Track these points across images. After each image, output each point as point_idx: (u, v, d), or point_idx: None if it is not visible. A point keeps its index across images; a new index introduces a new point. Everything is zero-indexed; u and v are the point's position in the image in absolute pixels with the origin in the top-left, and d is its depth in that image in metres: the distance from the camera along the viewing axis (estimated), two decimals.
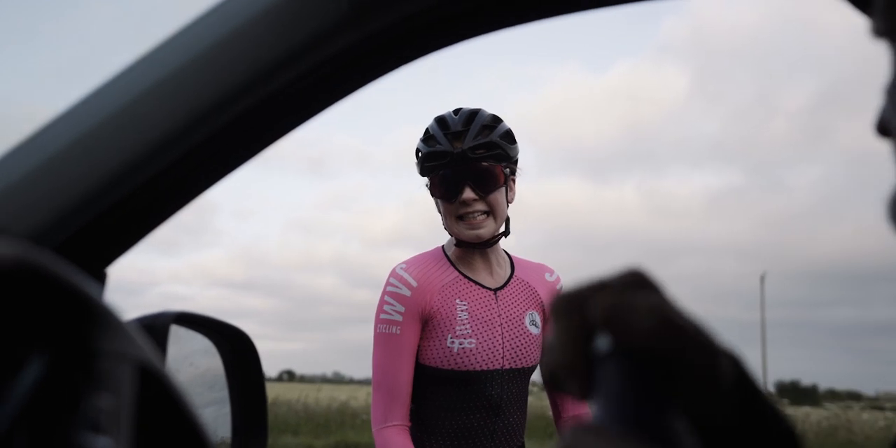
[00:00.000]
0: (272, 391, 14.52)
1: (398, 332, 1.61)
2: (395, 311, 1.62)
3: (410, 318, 1.62)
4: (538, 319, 1.73)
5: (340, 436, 10.34)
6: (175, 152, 0.58)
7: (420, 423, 1.67)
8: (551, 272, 1.82)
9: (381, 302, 1.64)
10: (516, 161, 1.70)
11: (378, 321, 1.63)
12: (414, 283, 1.63)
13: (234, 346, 0.82)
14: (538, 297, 1.75)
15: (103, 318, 0.37)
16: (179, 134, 0.57)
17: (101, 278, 0.60)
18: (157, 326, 0.70)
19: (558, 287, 1.79)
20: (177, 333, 0.79)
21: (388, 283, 1.65)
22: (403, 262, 1.69)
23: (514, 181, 1.70)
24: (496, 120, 1.66)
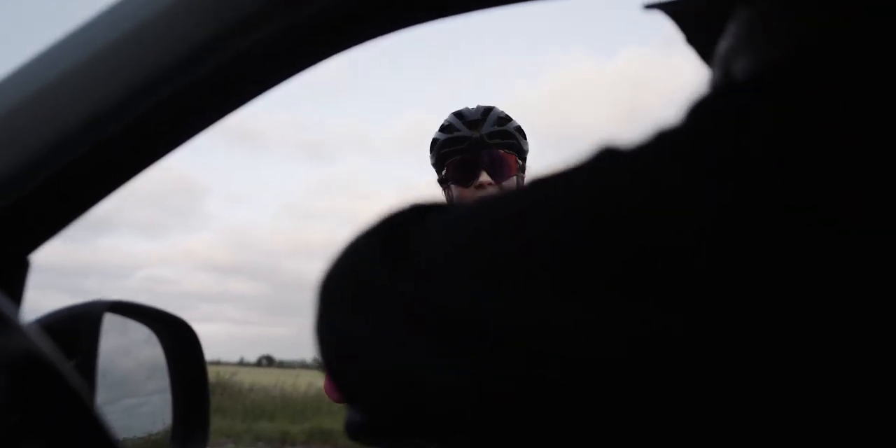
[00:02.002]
0: (250, 377, 14.50)
1: None
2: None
3: None
4: None
5: (317, 422, 10.33)
6: (100, 134, 0.56)
7: None
8: None
9: None
10: (525, 158, 1.75)
11: None
12: None
13: (174, 335, 0.81)
14: None
15: None
16: (103, 116, 0.56)
17: (22, 266, 0.59)
18: (89, 316, 0.68)
19: None
20: (115, 323, 0.78)
21: None
22: None
23: (522, 179, 1.75)
24: (509, 117, 1.74)
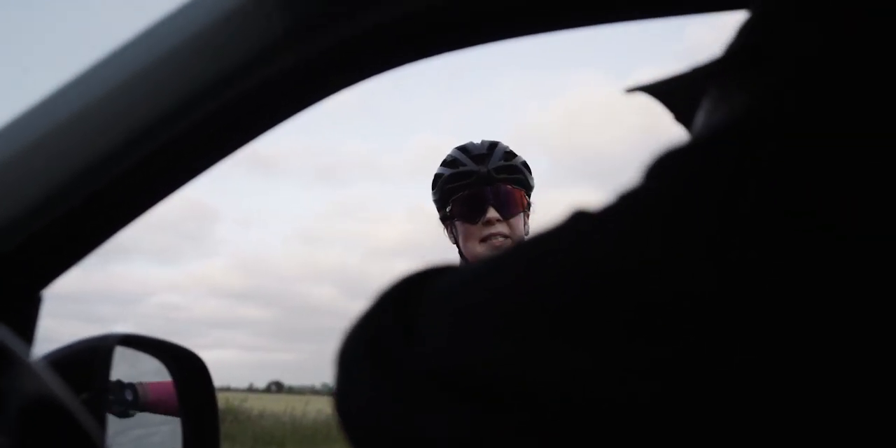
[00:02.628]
0: (259, 403, 14.42)
1: None
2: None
3: None
4: None
5: None
6: (112, 172, 0.57)
7: None
8: None
9: None
10: (531, 194, 1.70)
11: None
12: None
13: (184, 366, 0.81)
14: None
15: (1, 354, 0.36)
16: (116, 153, 0.57)
17: (34, 303, 0.59)
18: (101, 349, 0.69)
19: None
20: (126, 355, 0.78)
21: None
22: None
23: (528, 216, 1.69)
24: (514, 152, 1.69)
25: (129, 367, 0.79)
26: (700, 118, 0.48)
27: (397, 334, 0.36)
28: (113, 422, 0.77)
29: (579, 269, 0.32)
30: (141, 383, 0.84)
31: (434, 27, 0.60)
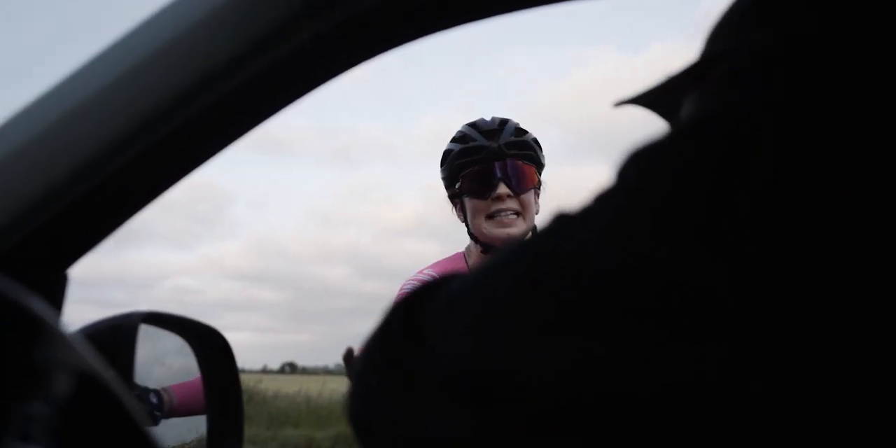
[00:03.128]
0: (274, 384, 14.56)
1: None
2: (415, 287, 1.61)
3: None
4: None
5: (342, 428, 10.36)
6: (132, 152, 0.57)
7: None
8: None
9: (402, 288, 1.63)
10: (542, 171, 1.67)
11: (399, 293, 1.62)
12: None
13: (207, 344, 0.82)
14: None
15: (39, 327, 0.36)
16: (135, 133, 0.57)
17: (61, 281, 0.60)
18: (125, 327, 0.70)
19: None
20: (148, 333, 0.79)
21: (410, 279, 1.65)
22: (427, 267, 1.69)
23: (538, 195, 1.67)
24: (525, 130, 1.66)
25: (151, 345, 0.80)
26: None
27: (407, 344, 0.37)
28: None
29: (575, 269, 0.33)
30: (165, 389, 0.84)
31: (391, 20, 0.59)
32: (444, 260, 1.73)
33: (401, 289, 1.63)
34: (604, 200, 0.35)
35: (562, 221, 0.36)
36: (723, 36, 0.45)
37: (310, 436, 10.07)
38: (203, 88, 0.57)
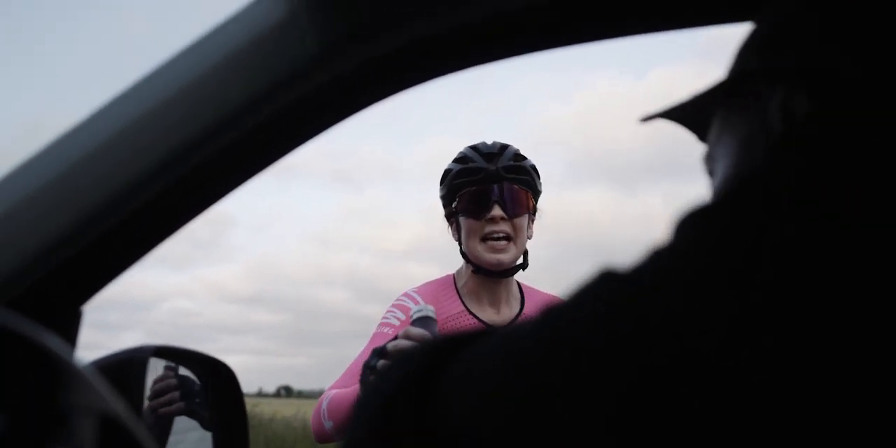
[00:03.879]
0: (270, 407, 14.43)
1: (390, 332, 1.63)
2: (395, 317, 1.65)
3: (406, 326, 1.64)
4: None
5: None
6: (147, 194, 0.59)
7: None
8: None
9: (386, 312, 1.68)
10: (538, 198, 1.72)
11: (377, 326, 1.67)
12: (421, 303, 1.65)
13: (215, 377, 0.83)
14: None
15: (63, 371, 0.37)
16: (151, 174, 0.58)
17: (75, 317, 0.61)
18: (135, 361, 0.71)
19: None
20: (157, 366, 0.80)
21: (397, 299, 1.69)
22: (415, 288, 1.72)
23: (533, 221, 1.72)
24: (524, 156, 1.71)
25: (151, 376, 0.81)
26: (711, 139, 0.50)
27: (412, 418, 0.35)
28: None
29: (606, 333, 0.31)
30: None
31: (459, 45, 0.61)
32: (432, 282, 1.76)
33: (394, 300, 1.68)
34: (650, 260, 0.34)
35: (606, 280, 0.34)
36: (749, 56, 0.47)
37: None
38: (216, 132, 0.59)
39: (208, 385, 0.83)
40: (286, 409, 14.39)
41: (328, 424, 1.49)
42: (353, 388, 1.57)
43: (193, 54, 0.60)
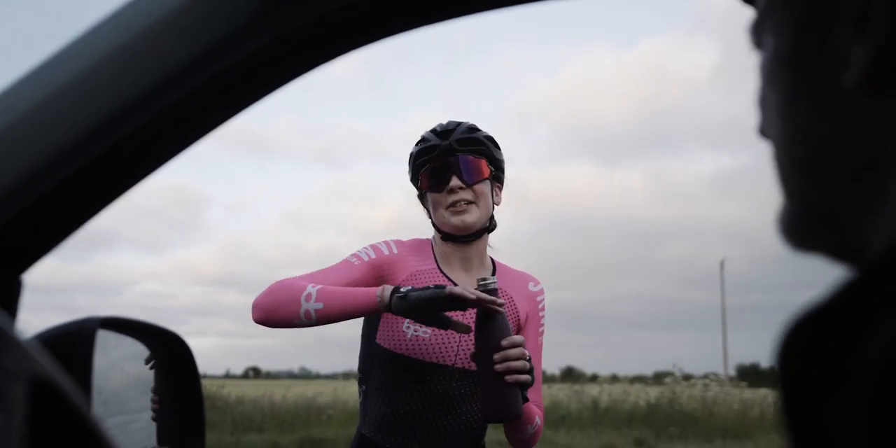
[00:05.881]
0: (237, 389, 14.39)
1: (357, 263, 1.69)
2: (367, 254, 1.72)
3: (373, 265, 1.70)
4: None
5: (306, 432, 10.28)
6: (86, 156, 0.56)
7: (366, 408, 1.74)
8: (536, 282, 1.88)
9: (362, 248, 1.74)
10: (502, 169, 1.82)
11: (350, 255, 1.72)
12: (395, 251, 1.74)
13: (167, 349, 0.81)
14: (513, 305, 1.80)
15: None
16: (91, 135, 0.56)
17: (15, 286, 0.59)
18: (82, 332, 0.69)
19: (539, 298, 1.85)
20: (106, 339, 0.78)
21: (373, 243, 1.76)
22: (393, 239, 1.80)
23: (499, 189, 1.83)
24: (479, 128, 1.81)
25: (109, 352, 0.78)
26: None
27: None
28: (96, 407, 0.76)
29: None
30: None
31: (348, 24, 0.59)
32: (412, 239, 1.84)
33: (359, 250, 1.73)
34: None
35: None
36: None
37: (274, 441, 9.96)
38: (169, 85, 0.57)
39: (160, 357, 0.81)
40: (254, 391, 14.36)
41: (315, 306, 1.50)
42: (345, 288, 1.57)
43: (131, 12, 0.57)
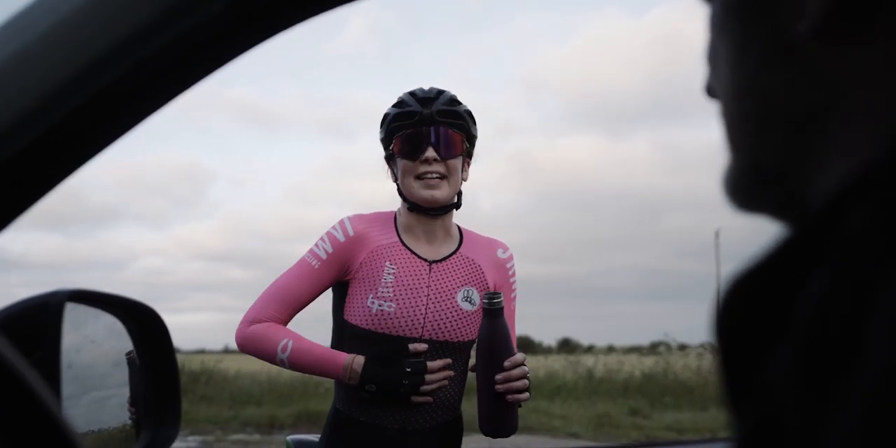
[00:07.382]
0: (236, 363, 14.48)
1: (317, 266, 1.71)
2: (324, 249, 1.73)
3: (333, 261, 1.72)
4: (475, 296, 1.76)
5: (303, 405, 10.35)
6: (38, 128, 0.55)
7: (339, 382, 1.74)
8: (504, 248, 1.87)
9: (318, 239, 1.75)
10: (474, 143, 1.81)
11: (306, 252, 1.75)
12: (351, 233, 1.73)
13: (140, 321, 0.80)
14: (481, 274, 1.79)
15: None
16: (38, 111, 0.54)
17: None
18: (50, 306, 0.67)
19: (509, 265, 1.85)
20: (78, 313, 0.76)
21: (331, 227, 1.76)
22: (354, 215, 1.79)
23: (468, 164, 1.81)
24: (460, 101, 1.79)
25: (81, 326, 0.77)
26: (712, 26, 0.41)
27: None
28: (68, 383, 0.75)
29: None
30: None
31: None
32: (376, 212, 1.83)
33: (316, 245, 1.75)
34: None
35: None
36: None
37: (272, 414, 10.05)
38: (127, 47, 0.55)
39: (133, 330, 0.80)
40: (252, 365, 14.43)
41: (283, 356, 1.70)
42: (316, 345, 1.63)
43: None
